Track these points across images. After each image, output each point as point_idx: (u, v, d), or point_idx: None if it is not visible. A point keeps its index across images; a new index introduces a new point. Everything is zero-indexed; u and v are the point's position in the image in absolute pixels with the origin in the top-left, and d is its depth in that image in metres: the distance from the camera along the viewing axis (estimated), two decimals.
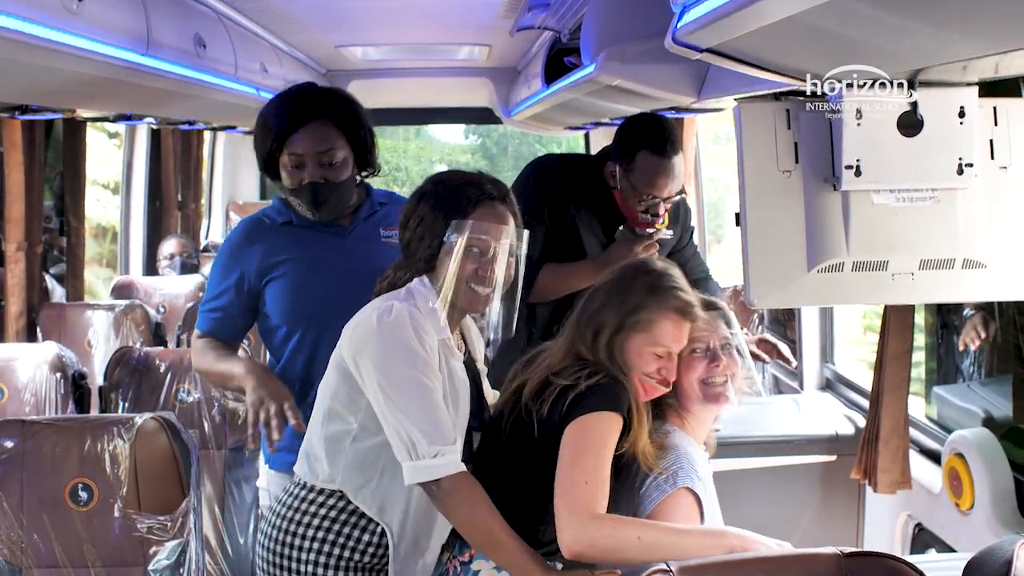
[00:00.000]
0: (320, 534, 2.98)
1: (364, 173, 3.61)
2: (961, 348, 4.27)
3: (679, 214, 4.39)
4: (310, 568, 2.98)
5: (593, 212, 4.31)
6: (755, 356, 4.09)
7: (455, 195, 2.96)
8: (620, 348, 2.86)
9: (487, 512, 2.78)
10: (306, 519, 3.00)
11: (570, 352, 2.91)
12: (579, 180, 4.32)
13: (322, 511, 3.00)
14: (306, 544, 2.99)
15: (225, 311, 3.54)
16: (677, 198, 4.16)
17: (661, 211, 4.13)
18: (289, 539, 3.00)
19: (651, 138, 4.08)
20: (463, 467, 2.81)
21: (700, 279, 4.34)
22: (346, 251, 3.53)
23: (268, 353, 3.69)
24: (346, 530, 2.99)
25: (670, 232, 4.23)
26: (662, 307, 2.86)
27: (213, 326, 3.54)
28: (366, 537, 2.99)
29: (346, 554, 2.98)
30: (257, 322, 3.62)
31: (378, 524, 2.98)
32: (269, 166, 3.50)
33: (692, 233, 4.53)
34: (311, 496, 3.01)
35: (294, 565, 2.99)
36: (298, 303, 3.49)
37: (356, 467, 2.97)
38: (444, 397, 2.91)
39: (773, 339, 4.19)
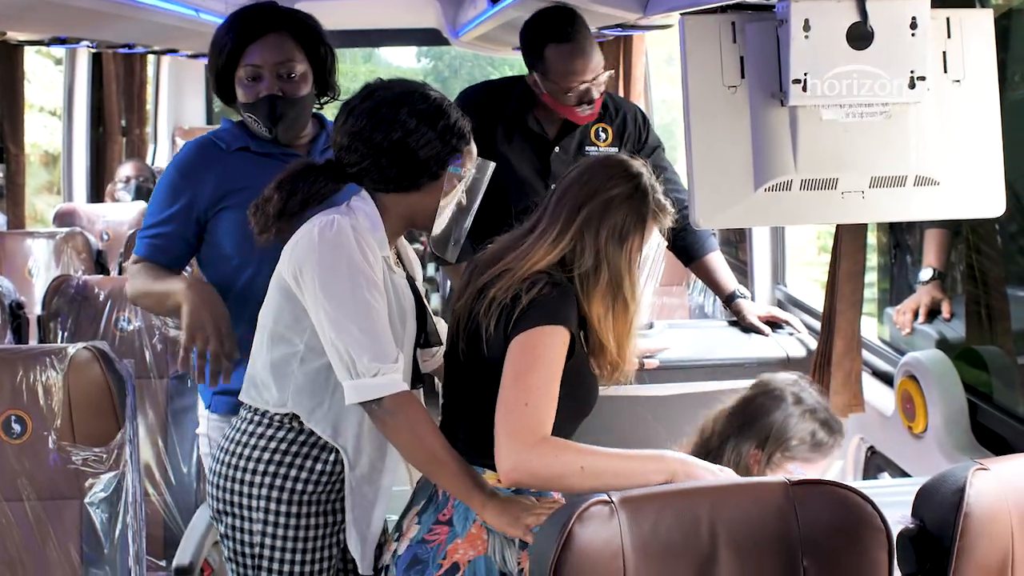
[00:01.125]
0: (271, 468, 2.96)
1: (324, 99, 3.52)
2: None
3: (626, 128, 4.33)
4: (263, 503, 2.96)
5: (525, 137, 4.28)
6: (758, 330, 4.06)
7: (450, 123, 2.91)
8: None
9: (428, 432, 2.74)
10: (256, 452, 2.97)
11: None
12: (507, 104, 4.27)
13: (272, 443, 2.97)
14: (257, 479, 2.96)
15: (169, 237, 3.41)
16: (605, 76, 4.11)
17: (595, 95, 4.09)
18: (239, 475, 2.97)
19: (551, 29, 4.06)
20: (404, 386, 2.77)
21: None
22: None
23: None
24: (298, 461, 2.96)
25: (613, 148, 4.20)
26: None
27: (153, 252, 3.42)
28: (319, 467, 2.97)
29: (299, 487, 2.96)
30: (203, 250, 3.48)
31: (331, 452, 2.95)
32: (222, 86, 3.41)
33: (658, 150, 4.42)
34: (262, 423, 2.98)
35: (245, 501, 2.97)
36: (240, 241, 3.30)
37: (306, 390, 2.93)
38: (390, 316, 2.85)
39: (782, 314, 4.16)
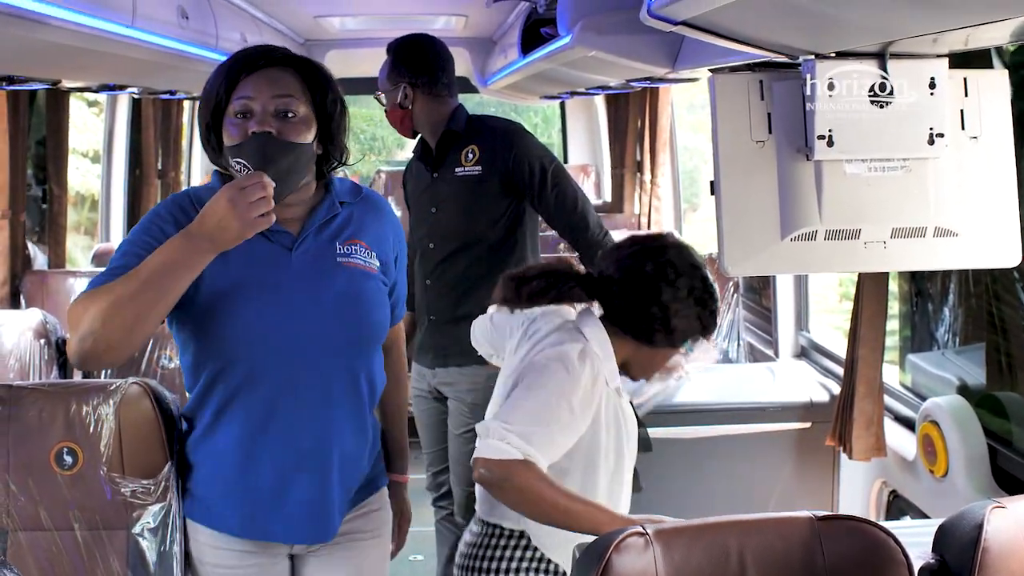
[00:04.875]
0: None
1: (330, 164, 2.91)
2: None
3: (491, 147, 4.42)
4: None
5: (421, 169, 4.63)
6: None
7: (711, 310, 2.97)
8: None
9: (544, 488, 2.76)
10: (492, 564, 3.02)
11: None
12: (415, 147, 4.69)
13: (507, 554, 3.02)
14: None
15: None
16: (383, 96, 4.53)
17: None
18: None
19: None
20: (517, 455, 2.76)
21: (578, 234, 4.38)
22: (290, 270, 2.82)
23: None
24: None
25: (477, 169, 4.40)
26: None
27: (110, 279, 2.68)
28: None
29: None
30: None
31: (558, 567, 3.01)
32: (212, 134, 2.78)
33: (545, 174, 4.39)
34: (495, 539, 3.04)
35: None
36: (217, 335, 2.79)
37: None
38: (618, 437, 2.99)
39: None
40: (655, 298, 2.90)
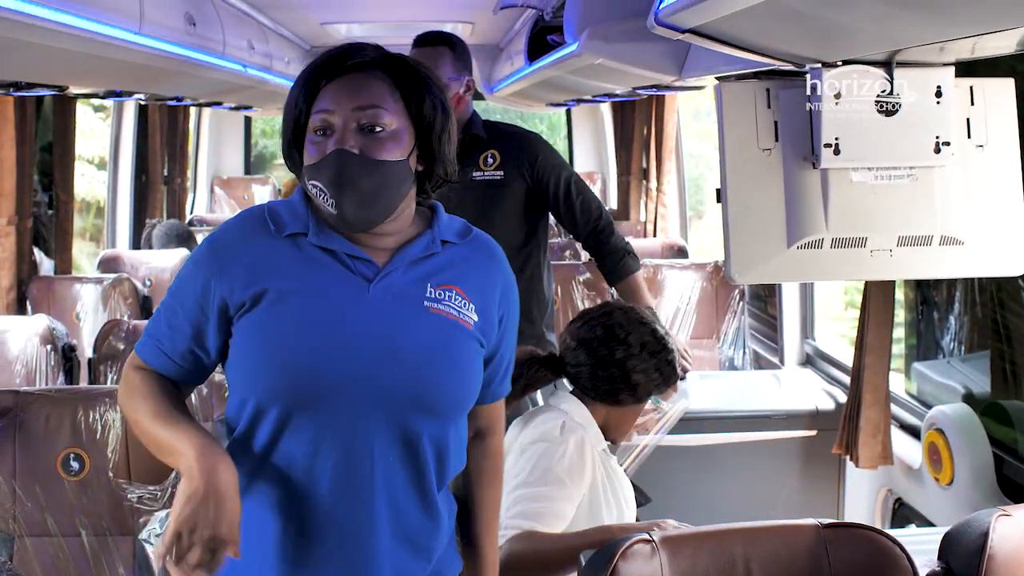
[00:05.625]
0: None
1: (433, 183, 2.46)
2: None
3: (514, 152, 4.36)
4: None
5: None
6: None
7: (668, 359, 3.02)
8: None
9: (546, 545, 2.81)
10: None
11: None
12: None
13: None
14: None
15: (175, 338, 2.38)
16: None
17: None
18: None
19: (415, 40, 4.29)
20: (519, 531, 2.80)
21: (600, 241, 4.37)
22: (364, 306, 2.34)
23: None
24: None
25: (500, 173, 4.32)
26: None
27: (154, 357, 2.39)
28: None
29: None
30: (228, 365, 2.41)
31: None
32: (294, 150, 2.37)
33: (561, 183, 4.35)
34: None
35: None
36: (272, 365, 2.31)
37: None
38: (612, 493, 3.01)
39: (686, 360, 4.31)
40: (611, 359, 2.98)
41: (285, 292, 2.32)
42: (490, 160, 4.33)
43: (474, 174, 4.33)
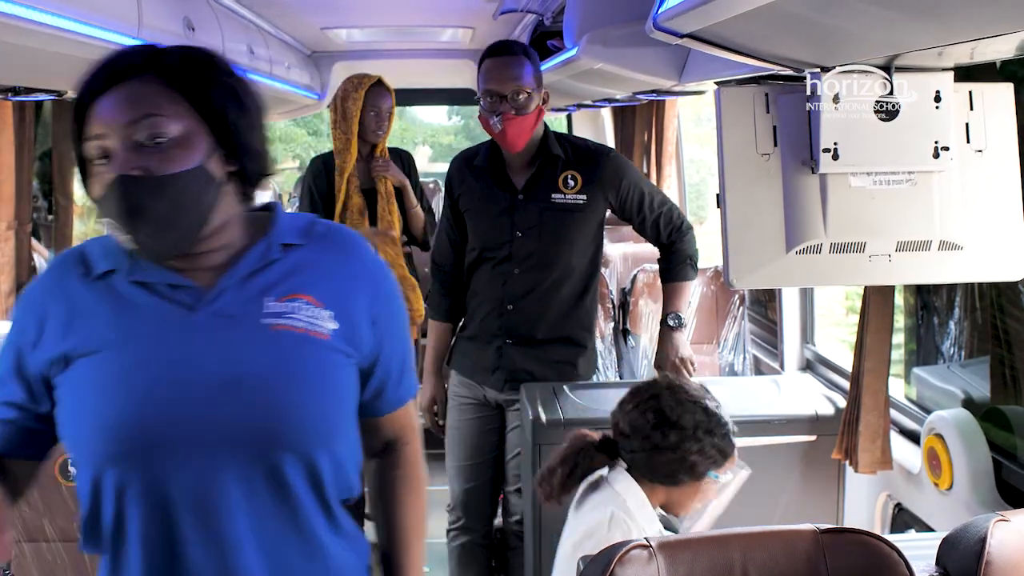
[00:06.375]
0: None
1: (248, 183, 2.14)
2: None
3: (598, 174, 4.33)
4: None
5: (495, 188, 4.40)
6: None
7: (723, 436, 3.01)
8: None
9: None
10: None
11: None
12: (475, 160, 4.45)
13: None
14: None
15: (4, 409, 2.14)
16: (525, 98, 4.18)
17: (509, 110, 4.16)
18: None
19: (489, 49, 4.21)
20: None
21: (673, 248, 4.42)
22: (194, 336, 2.07)
23: None
24: None
25: (583, 197, 4.29)
26: None
27: None
28: None
29: None
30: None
31: None
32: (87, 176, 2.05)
33: (644, 198, 4.38)
34: None
35: None
36: (97, 427, 2.02)
37: None
38: None
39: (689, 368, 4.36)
40: (666, 444, 2.96)
41: (101, 342, 2.04)
42: (571, 183, 4.29)
43: (554, 196, 4.28)
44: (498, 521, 4.74)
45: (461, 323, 4.59)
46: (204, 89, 2.02)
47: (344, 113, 5.57)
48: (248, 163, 2.10)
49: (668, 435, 2.95)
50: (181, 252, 2.05)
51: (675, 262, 4.38)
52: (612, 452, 3.07)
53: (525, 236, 4.30)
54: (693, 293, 5.81)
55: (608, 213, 4.39)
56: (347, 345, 2.15)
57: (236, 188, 2.11)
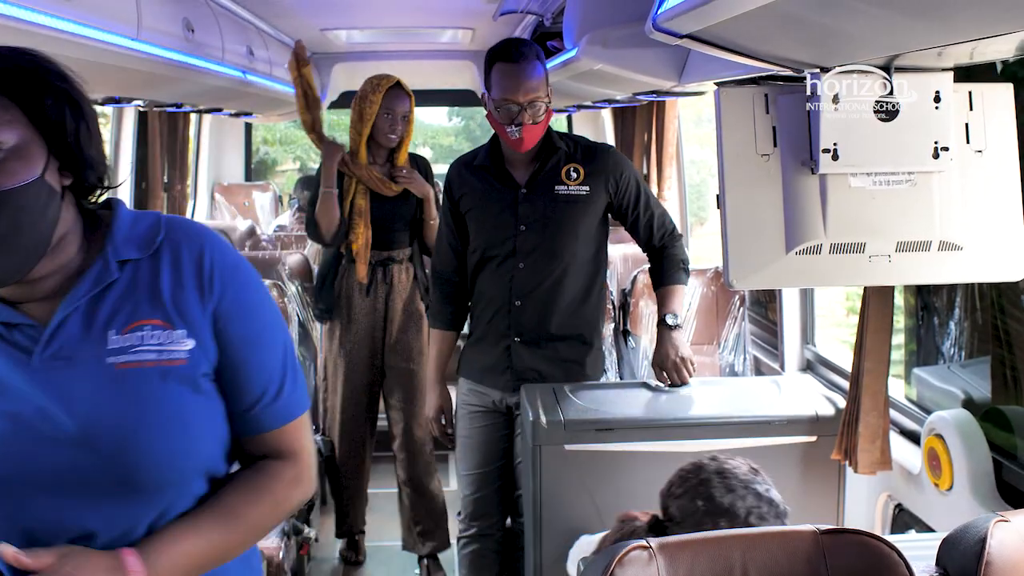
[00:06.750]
0: None
1: (93, 194, 1.97)
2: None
3: (600, 167, 4.35)
4: None
5: (497, 185, 4.41)
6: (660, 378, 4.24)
7: (778, 518, 2.92)
8: None
9: None
10: None
11: None
12: (475, 160, 4.46)
13: None
14: None
15: None
16: (541, 105, 4.18)
17: (527, 119, 4.16)
18: None
19: (501, 52, 4.17)
20: None
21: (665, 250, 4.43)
22: (35, 385, 1.86)
23: None
24: None
25: (585, 188, 4.31)
26: None
27: None
28: None
29: None
30: None
31: None
32: None
33: (640, 195, 4.40)
34: None
35: None
36: None
37: None
38: None
39: (687, 369, 4.32)
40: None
41: None
42: (574, 174, 4.32)
43: (557, 188, 4.32)
44: (508, 522, 4.74)
45: (467, 330, 4.58)
46: (37, 97, 1.83)
47: (360, 114, 5.56)
48: (87, 175, 1.90)
49: (719, 523, 2.83)
50: (22, 276, 1.83)
51: (669, 266, 4.37)
52: (663, 535, 3.02)
53: (529, 230, 4.31)
54: (693, 294, 5.82)
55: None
56: (206, 361, 1.95)
57: (71, 201, 1.91)
